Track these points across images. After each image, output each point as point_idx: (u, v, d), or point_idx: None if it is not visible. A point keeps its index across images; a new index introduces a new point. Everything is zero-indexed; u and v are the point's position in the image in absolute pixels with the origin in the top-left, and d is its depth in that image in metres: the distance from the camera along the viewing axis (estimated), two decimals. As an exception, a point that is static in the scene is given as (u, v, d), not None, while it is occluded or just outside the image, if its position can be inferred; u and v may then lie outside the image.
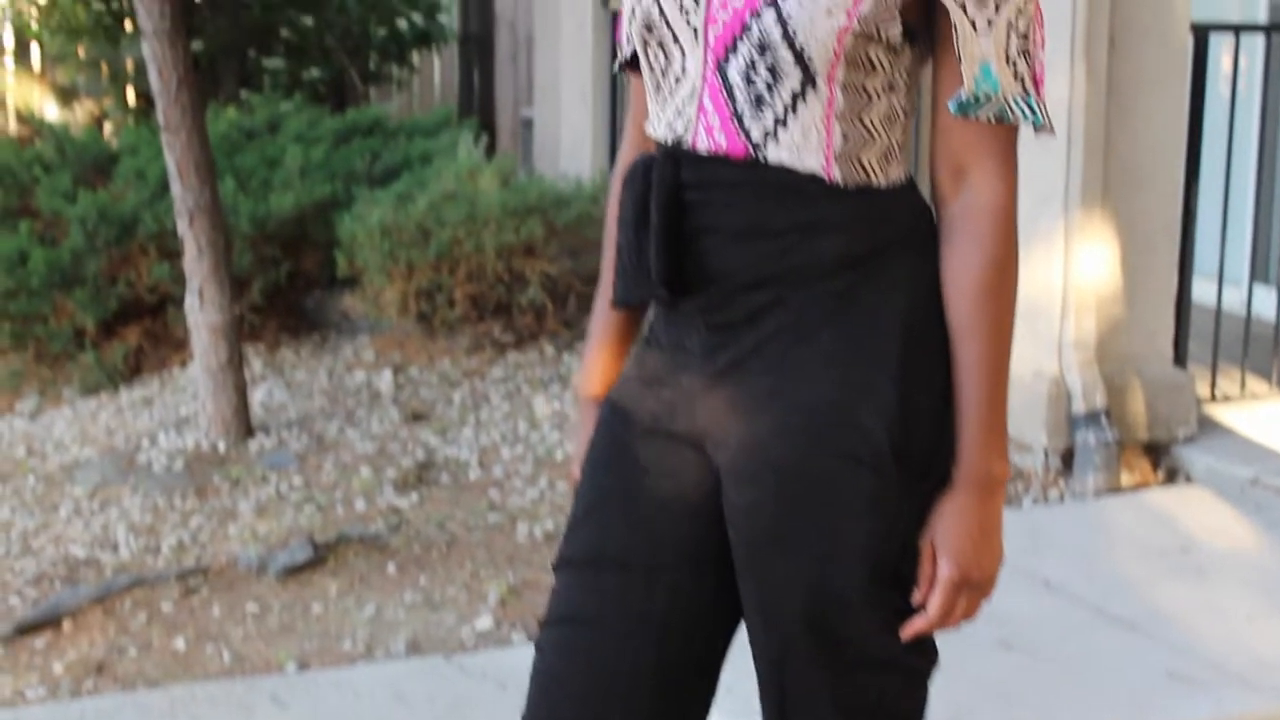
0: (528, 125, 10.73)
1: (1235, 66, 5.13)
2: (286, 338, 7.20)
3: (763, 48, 1.85)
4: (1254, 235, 6.11)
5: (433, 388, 6.41)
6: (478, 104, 11.94)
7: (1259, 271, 6.39)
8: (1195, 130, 4.99)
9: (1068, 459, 4.89)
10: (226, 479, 5.50)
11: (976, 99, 1.86)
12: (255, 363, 6.80)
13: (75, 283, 6.80)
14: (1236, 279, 6.07)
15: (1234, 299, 5.82)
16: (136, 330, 7.05)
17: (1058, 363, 4.82)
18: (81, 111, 10.70)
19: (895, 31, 1.85)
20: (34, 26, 10.63)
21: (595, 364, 2.20)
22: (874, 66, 1.87)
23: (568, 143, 7.78)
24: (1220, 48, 5.12)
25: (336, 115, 8.74)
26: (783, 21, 1.83)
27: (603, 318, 2.20)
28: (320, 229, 7.12)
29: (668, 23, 1.93)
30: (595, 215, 6.90)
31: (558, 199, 6.69)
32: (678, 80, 1.95)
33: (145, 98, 9.75)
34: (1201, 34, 4.92)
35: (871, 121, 1.89)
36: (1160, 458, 5.04)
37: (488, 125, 11.26)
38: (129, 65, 10.00)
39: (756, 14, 1.84)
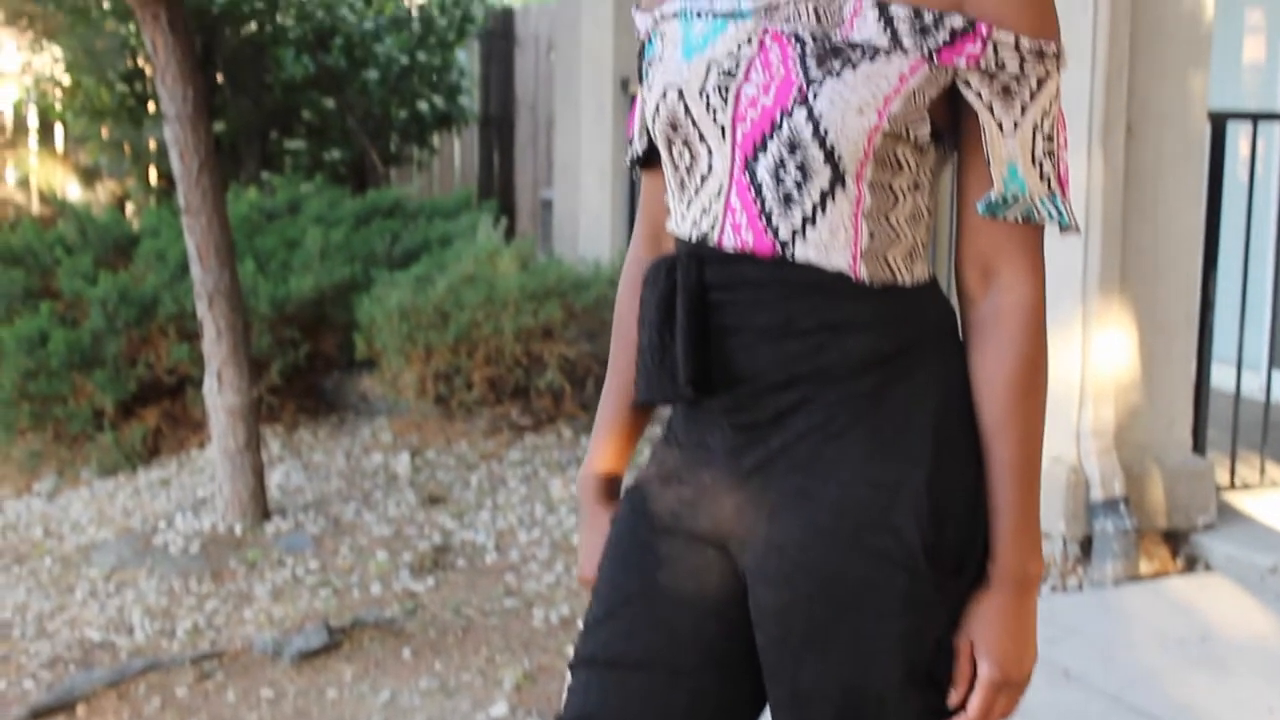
0: (547, 206, 10.78)
1: (1253, 154, 5.14)
2: (305, 419, 7.22)
3: (793, 146, 1.85)
4: (1272, 321, 6.10)
5: (450, 470, 6.40)
6: (498, 185, 12.01)
7: (1278, 357, 6.37)
8: (1213, 217, 4.99)
9: (1086, 547, 4.87)
10: (242, 562, 5.49)
11: (1005, 200, 1.87)
12: (273, 444, 6.81)
13: (95, 364, 6.82)
14: (1255, 365, 6.05)
15: (1253, 385, 5.80)
16: (155, 411, 7.06)
17: (1076, 450, 4.80)
18: (104, 192, 10.78)
19: (924, 131, 1.86)
20: (58, 108, 10.72)
21: (600, 459, 2.19)
22: (901, 166, 1.87)
23: (586, 225, 7.80)
24: (1238, 135, 5.13)
25: (357, 196, 8.80)
26: (814, 120, 1.83)
27: (610, 412, 2.19)
28: (339, 311, 7.15)
29: (694, 121, 1.93)
30: (614, 298, 6.88)
31: (576, 282, 6.71)
32: (704, 178, 1.94)
33: (167, 178, 9.84)
34: (1219, 122, 4.93)
35: (897, 220, 1.89)
36: (1179, 545, 5.01)
37: (507, 206, 11.33)
38: (151, 146, 10.08)
39: (787, 112, 1.84)
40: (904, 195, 1.89)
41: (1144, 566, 4.87)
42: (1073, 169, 4.59)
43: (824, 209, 1.86)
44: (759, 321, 1.90)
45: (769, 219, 1.89)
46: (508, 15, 12.13)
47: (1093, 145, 4.63)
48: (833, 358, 1.88)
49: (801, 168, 1.86)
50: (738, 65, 1.89)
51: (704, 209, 1.95)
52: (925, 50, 1.82)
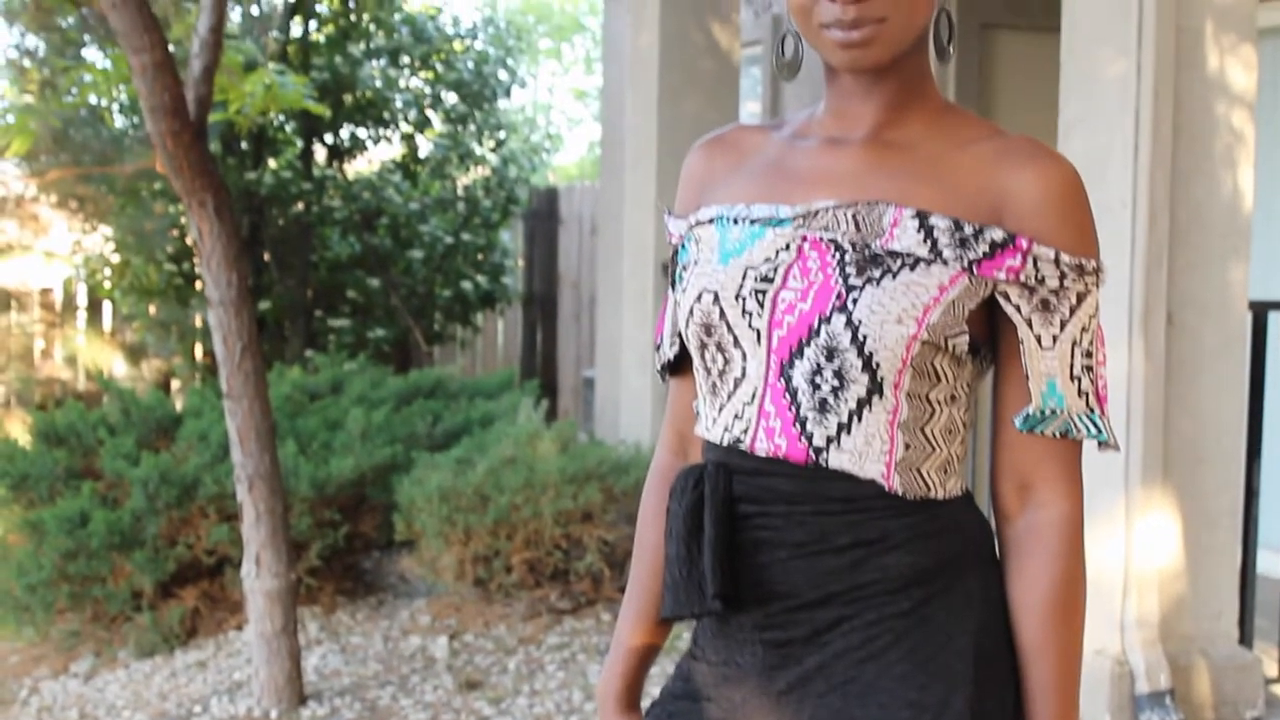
0: (589, 384, 10.81)
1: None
2: (343, 600, 7.18)
3: (831, 353, 1.84)
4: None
5: (488, 654, 6.34)
6: (540, 362, 12.06)
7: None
8: (1255, 406, 4.96)
9: (1133, 741, 4.77)
10: (277, 749, 5.43)
11: (1043, 415, 1.87)
12: (311, 626, 6.76)
13: (135, 544, 6.82)
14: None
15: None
16: (194, 592, 7.04)
17: (1120, 641, 4.72)
18: (150, 370, 10.87)
19: (963, 343, 1.85)
20: (107, 286, 10.84)
21: (621, 670, 2.16)
22: (938, 377, 1.87)
23: (627, 407, 7.81)
24: (1278, 325, 5.11)
25: (399, 375, 8.84)
26: (853, 327, 1.82)
27: (630, 623, 2.16)
28: (380, 492, 7.15)
29: (729, 325, 1.93)
30: (654, 480, 6.88)
31: (616, 465, 6.69)
32: (737, 382, 1.94)
33: (213, 356, 9.92)
34: (1260, 311, 4.92)
35: (933, 433, 1.89)
36: (1230, 740, 4.91)
37: (549, 384, 11.38)
38: (198, 324, 10.18)
39: (826, 318, 1.84)
40: (940, 408, 1.88)
41: (1193, 762, 4.77)
42: (1114, 358, 4.58)
43: (859, 417, 1.85)
44: (792, 536, 1.89)
45: (803, 425, 1.88)
46: (552, 195, 12.28)
47: (1133, 335, 4.61)
48: (870, 575, 1.86)
49: (839, 374, 1.85)
50: (775, 270, 1.89)
51: (736, 414, 1.94)
52: (965, 262, 1.83)
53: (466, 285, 11.03)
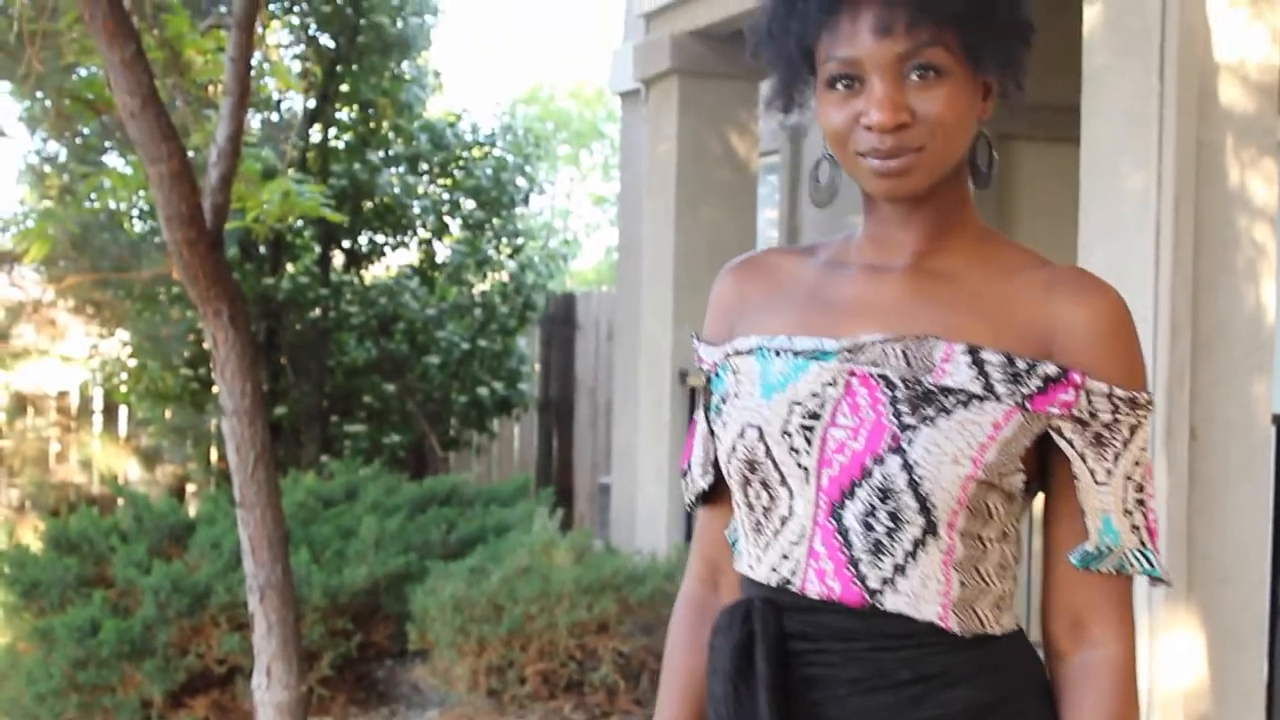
0: (605, 491, 10.76)
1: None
2: (355, 710, 7.09)
3: (885, 494, 1.80)
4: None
5: (501, 768, 6.26)
6: (556, 468, 12.02)
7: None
8: (1280, 522, 4.90)
9: None
10: None
11: (1099, 552, 1.83)
12: (322, 738, 6.69)
13: (145, 653, 6.75)
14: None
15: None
16: (204, 702, 6.96)
17: (1145, 762, 4.64)
18: (164, 475, 10.83)
19: (1018, 481, 1.83)
20: (123, 391, 10.84)
21: None
22: (991, 515, 1.84)
23: (643, 516, 7.75)
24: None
25: (414, 482, 8.80)
26: (908, 468, 1.79)
27: None
28: (393, 601, 7.09)
29: (775, 462, 1.88)
30: (669, 592, 6.82)
31: (631, 575, 6.63)
32: (784, 520, 1.89)
33: (227, 462, 9.88)
34: (1284, 426, 4.87)
35: (986, 571, 1.86)
36: None
37: (565, 490, 11.33)
38: (213, 429, 10.15)
39: (879, 459, 1.80)
40: (992, 545, 1.85)
41: None
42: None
43: (915, 558, 1.82)
44: (848, 673, 1.84)
45: (856, 567, 1.84)
46: (569, 300, 12.29)
47: (1156, 450, 4.56)
48: (931, 712, 1.82)
49: (894, 516, 1.81)
50: (823, 406, 1.85)
51: (784, 554, 1.89)
52: (1018, 397, 1.80)
53: (483, 391, 11.00)
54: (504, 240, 11.40)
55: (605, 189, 24.29)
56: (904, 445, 1.79)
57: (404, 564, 7.18)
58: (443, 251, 11.27)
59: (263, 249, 10.08)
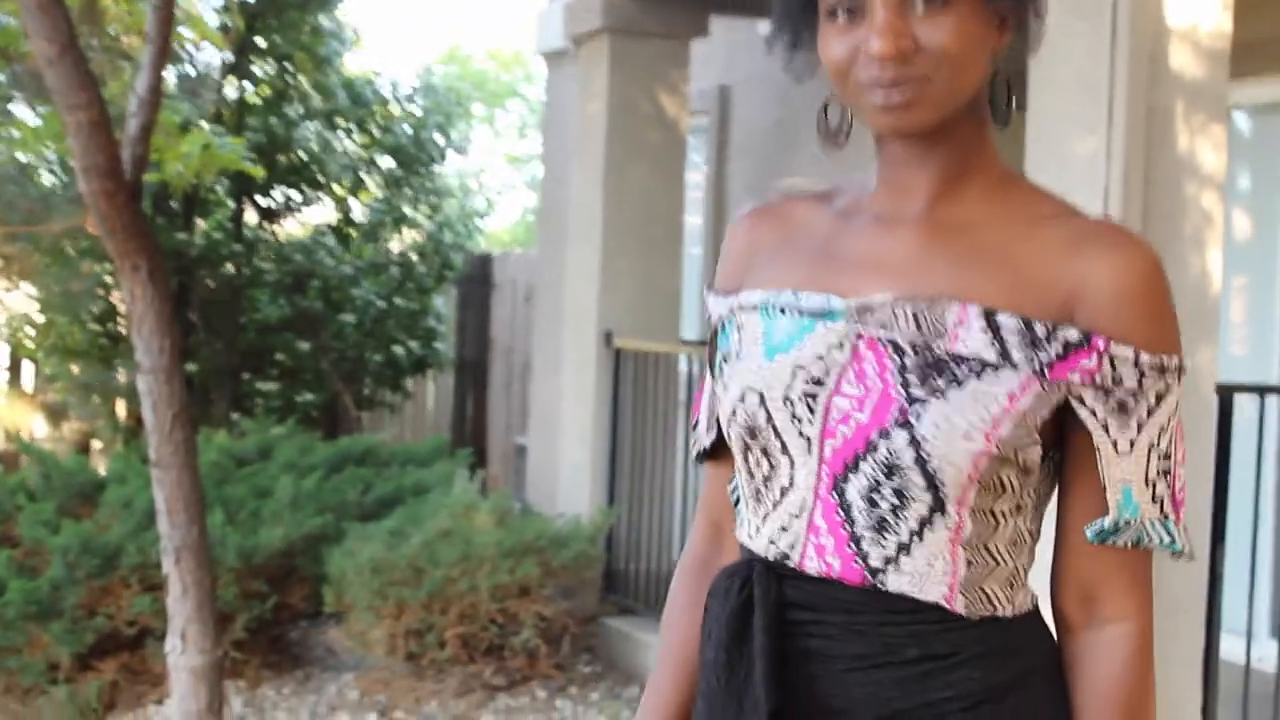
0: (521, 452, 10.64)
1: (1260, 426, 5.02)
2: (269, 674, 6.94)
3: (890, 470, 1.68)
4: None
5: (420, 734, 6.14)
6: (470, 429, 11.89)
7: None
8: (1220, 490, 4.84)
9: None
10: (200, 835, 5.20)
11: (1115, 525, 1.71)
12: (235, 701, 6.52)
13: (52, 615, 6.56)
14: (1270, 637, 5.89)
15: (1266, 660, 5.61)
16: (113, 664, 6.79)
17: (1082, 734, 4.58)
18: (70, 431, 10.60)
19: (1035, 454, 1.70)
20: (29, 346, 10.59)
21: None
22: (1005, 489, 1.71)
23: (566, 480, 7.64)
24: (1244, 408, 5.00)
25: (329, 441, 8.64)
26: (916, 443, 1.66)
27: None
28: (309, 562, 6.94)
29: (776, 429, 1.76)
30: (592, 555, 6.74)
31: (555, 538, 6.53)
32: (784, 491, 1.77)
33: (136, 419, 9.67)
34: (1226, 394, 4.82)
35: (996, 547, 1.73)
36: (1193, 838, 4.77)
37: (479, 450, 11.20)
38: (121, 384, 9.94)
39: (885, 434, 1.68)
40: (1005, 519, 1.73)
41: None
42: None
43: (920, 537, 1.70)
44: (851, 648, 1.73)
45: (858, 544, 1.72)
46: (485, 261, 12.15)
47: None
48: (941, 693, 1.71)
49: (899, 493, 1.69)
50: (828, 372, 1.73)
51: (783, 526, 1.77)
52: (1037, 365, 1.67)
53: (398, 350, 10.85)
54: (421, 199, 11.24)
55: (520, 149, 24.13)
56: (911, 420, 1.67)
57: (320, 525, 7.03)
58: (359, 209, 11.09)
59: (174, 204, 9.85)
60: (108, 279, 9.55)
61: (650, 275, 7.46)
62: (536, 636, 6.40)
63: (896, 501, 1.69)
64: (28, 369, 11.38)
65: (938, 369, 1.67)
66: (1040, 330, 1.67)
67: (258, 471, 7.65)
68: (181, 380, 5.58)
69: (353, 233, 10.99)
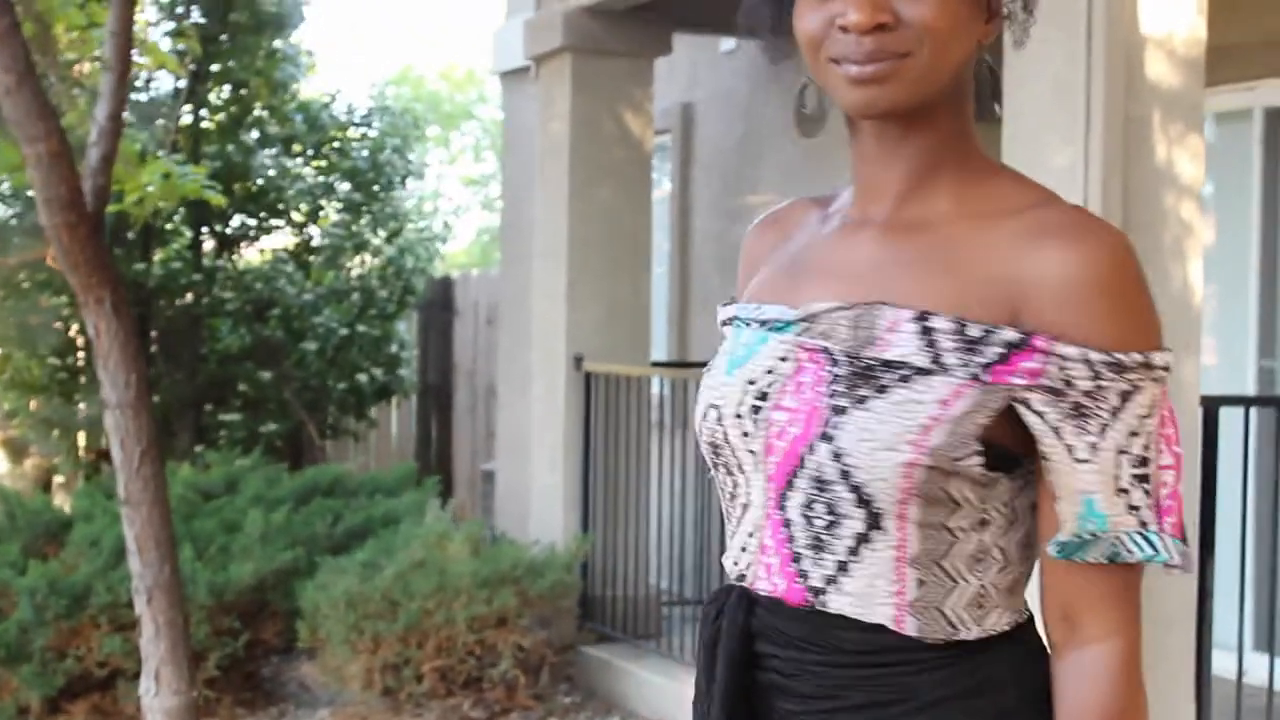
0: (488, 478, 10.55)
1: (1245, 439, 4.98)
2: (242, 711, 6.83)
3: (820, 485, 1.60)
4: (1271, 603, 5.88)
5: (399, 769, 6.04)
6: (436, 455, 11.79)
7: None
8: (1207, 503, 4.80)
9: None
10: None
11: (1081, 539, 1.57)
12: (209, 741, 6.42)
13: (21, 658, 6.44)
14: (1259, 650, 5.85)
15: (1258, 673, 5.56)
16: (84, 706, 6.66)
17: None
18: (31, 467, 10.46)
19: (974, 464, 1.58)
20: (-14, 382, 10.46)
21: None
22: (958, 502, 1.59)
23: (538, 505, 7.55)
24: (1231, 421, 4.95)
25: (294, 472, 8.54)
26: (838, 456, 1.58)
27: None
28: (280, 597, 6.83)
29: (732, 447, 1.70)
30: (569, 583, 6.66)
31: (530, 567, 6.44)
32: (744, 510, 1.71)
33: (98, 453, 9.55)
34: (1211, 407, 4.77)
35: (955, 566, 1.61)
36: None
37: (445, 476, 11.10)
38: (81, 419, 9.81)
39: (809, 447, 1.60)
40: (964, 536, 1.61)
41: None
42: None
43: (858, 555, 1.61)
44: (803, 688, 1.65)
45: (799, 563, 1.64)
46: (446, 284, 12.06)
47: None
48: None
49: (831, 509, 1.61)
50: (772, 386, 1.66)
51: (743, 546, 1.71)
52: (974, 369, 1.56)
53: (362, 377, 10.75)
54: (381, 224, 11.15)
55: (475, 171, 24.00)
56: (831, 432, 1.58)
57: (291, 559, 6.92)
58: (318, 235, 10.99)
59: (130, 234, 9.73)
60: (66, 312, 9.42)
61: (618, 296, 7.39)
62: (515, 667, 6.32)
63: (830, 518, 1.61)
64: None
65: (865, 376, 1.59)
66: (975, 332, 1.57)
67: (225, 505, 7.54)
68: (150, 414, 5.47)
69: (312, 259, 10.88)
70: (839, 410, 1.59)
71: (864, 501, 1.59)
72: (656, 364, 7.50)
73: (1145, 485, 1.57)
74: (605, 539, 7.21)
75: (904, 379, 1.57)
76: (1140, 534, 1.57)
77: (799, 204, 1.86)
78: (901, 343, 1.59)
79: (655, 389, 7.32)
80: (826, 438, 1.59)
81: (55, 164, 5.13)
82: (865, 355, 1.60)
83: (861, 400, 1.58)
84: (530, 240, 8.09)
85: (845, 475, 1.58)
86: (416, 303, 11.59)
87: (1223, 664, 5.09)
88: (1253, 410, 5.20)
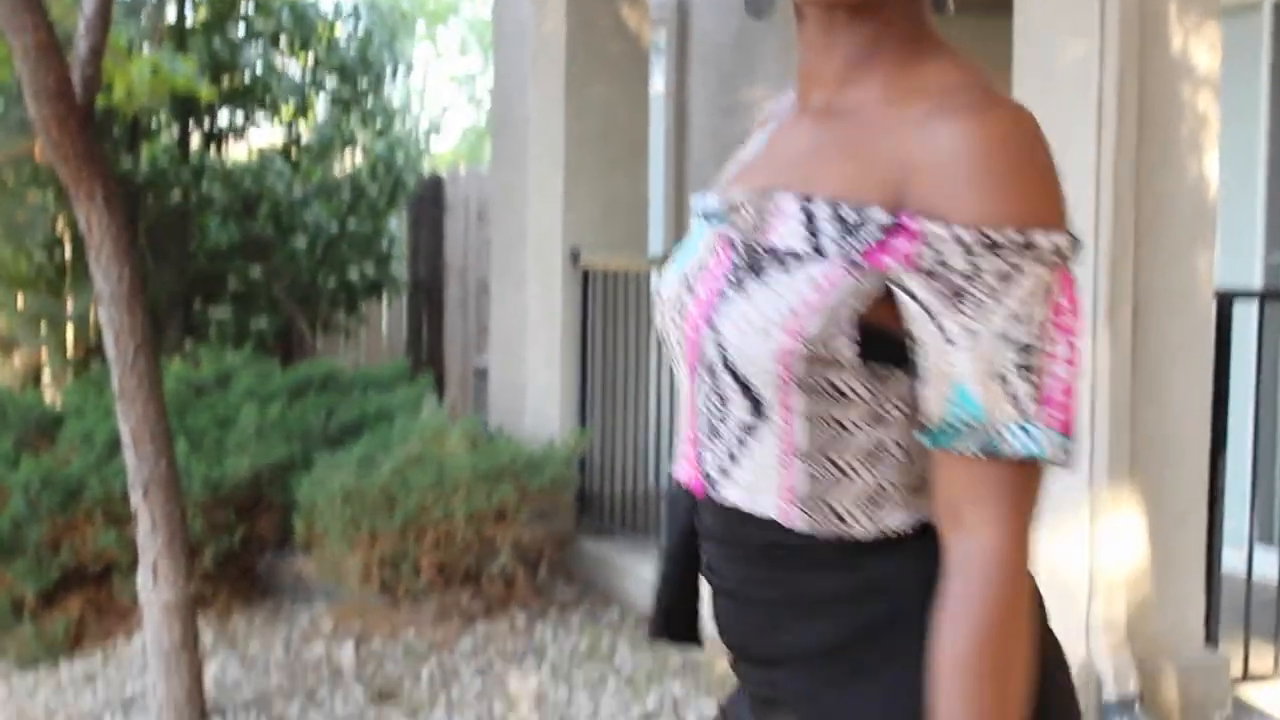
0: (480, 375, 10.50)
1: (1260, 333, 4.94)
2: (239, 605, 6.82)
3: (711, 373, 1.60)
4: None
5: (398, 662, 6.03)
6: (427, 352, 11.73)
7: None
8: (1220, 398, 4.76)
9: (1098, 751, 4.57)
10: (182, 772, 5.09)
11: (952, 428, 1.50)
12: (206, 634, 6.39)
13: (15, 551, 6.42)
14: (1267, 547, 5.86)
15: (1267, 569, 5.56)
16: (79, 600, 6.66)
17: (1085, 646, 4.51)
18: (19, 362, 10.37)
19: (851, 354, 1.52)
20: (-28, 277, 10.35)
21: None
22: (846, 396, 1.54)
23: (534, 402, 7.51)
24: (1244, 315, 4.91)
25: (286, 368, 8.49)
26: (719, 344, 1.57)
27: None
28: (276, 491, 6.80)
29: (672, 340, 1.73)
30: (568, 478, 6.63)
31: (529, 462, 6.40)
32: (687, 401, 1.72)
33: (86, 349, 9.47)
34: (1226, 300, 4.73)
35: (846, 460, 1.57)
36: (1196, 747, 4.72)
37: (436, 374, 11.05)
38: (69, 314, 9.73)
39: (701, 335, 1.60)
40: (858, 430, 1.56)
41: (1161, 771, 4.58)
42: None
43: (745, 444, 1.59)
44: (725, 582, 1.68)
45: (700, 451, 1.65)
46: (436, 181, 11.95)
47: (1098, 328, 4.41)
48: (792, 640, 1.61)
49: (720, 396, 1.60)
50: (696, 277, 1.66)
51: (683, 436, 1.74)
52: (850, 254, 1.51)
53: (352, 274, 10.66)
54: (370, 119, 11.03)
55: (461, 68, 23.79)
56: (714, 318, 1.58)
57: (286, 454, 6.89)
58: (307, 132, 10.86)
59: (116, 131, 9.60)
60: (53, 207, 9.31)
61: (615, 193, 7.32)
62: (513, 561, 6.30)
63: (721, 407, 1.61)
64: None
65: (752, 263, 1.57)
66: (850, 215, 1.52)
67: (218, 400, 7.50)
68: (144, 309, 5.42)
69: (301, 155, 10.76)
70: (724, 297, 1.57)
71: (746, 390, 1.57)
72: (654, 260, 7.43)
73: (1030, 375, 1.48)
74: (604, 435, 7.18)
75: (784, 265, 1.54)
76: (1020, 425, 1.48)
77: (787, 96, 1.82)
78: (786, 229, 1.56)
79: (653, 285, 7.25)
80: (711, 325, 1.58)
81: (44, 56, 5.05)
82: (756, 242, 1.57)
83: (743, 287, 1.56)
84: (523, 137, 8.00)
85: (727, 363, 1.57)
86: (407, 199, 11.49)
87: (1231, 560, 5.08)
88: (1267, 305, 5.17)
